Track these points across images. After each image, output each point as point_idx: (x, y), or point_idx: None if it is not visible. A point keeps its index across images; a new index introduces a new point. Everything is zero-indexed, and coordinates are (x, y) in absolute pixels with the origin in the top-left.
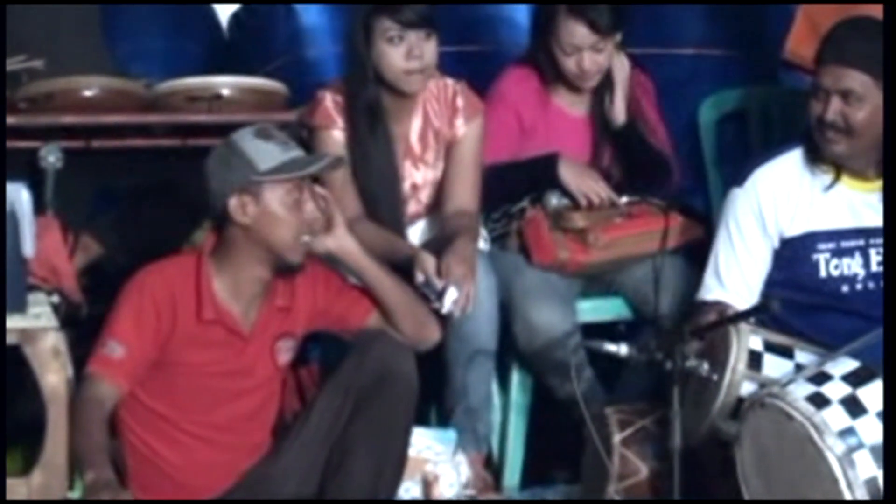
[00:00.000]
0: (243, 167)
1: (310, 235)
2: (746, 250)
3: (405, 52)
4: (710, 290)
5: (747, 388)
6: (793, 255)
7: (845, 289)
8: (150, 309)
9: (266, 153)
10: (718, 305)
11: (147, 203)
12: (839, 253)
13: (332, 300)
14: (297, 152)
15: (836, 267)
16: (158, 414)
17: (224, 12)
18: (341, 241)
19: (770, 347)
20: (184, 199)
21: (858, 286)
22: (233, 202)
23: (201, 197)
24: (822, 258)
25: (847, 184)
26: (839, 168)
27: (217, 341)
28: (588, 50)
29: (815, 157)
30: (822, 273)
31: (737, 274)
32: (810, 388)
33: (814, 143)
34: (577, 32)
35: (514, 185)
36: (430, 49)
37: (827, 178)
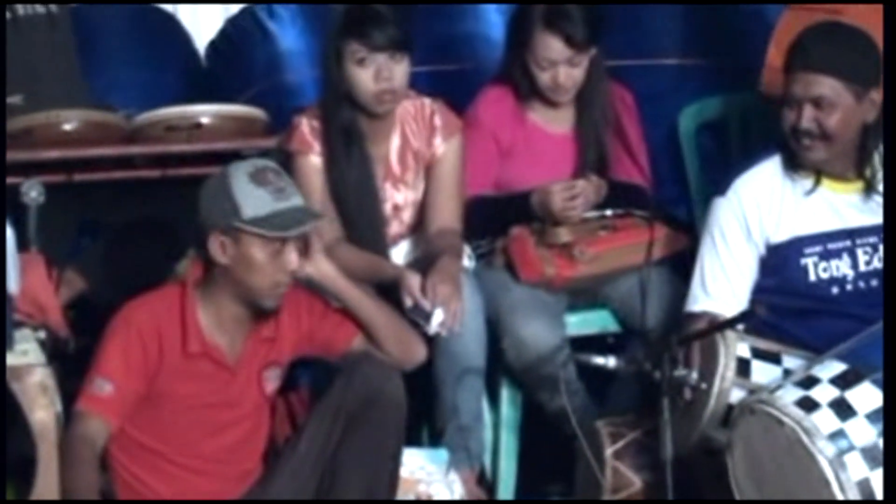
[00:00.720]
0: (228, 209)
1: (287, 285)
2: (732, 259)
3: (374, 74)
4: (697, 301)
5: (736, 395)
6: (781, 260)
7: (835, 290)
8: (137, 344)
9: (255, 200)
10: (707, 317)
11: (131, 237)
12: (827, 255)
13: (315, 326)
14: (288, 202)
15: (825, 269)
16: (148, 447)
17: (201, 41)
18: (320, 267)
19: (758, 354)
20: (167, 232)
21: (848, 287)
22: (212, 240)
23: (184, 229)
24: (810, 262)
25: (828, 186)
26: (818, 172)
27: (204, 373)
28: (563, 64)
29: (794, 164)
30: (812, 277)
31: (723, 283)
32: (799, 393)
33: (791, 150)
34: (552, 47)
35: (493, 223)
36: (399, 70)
37: (808, 182)
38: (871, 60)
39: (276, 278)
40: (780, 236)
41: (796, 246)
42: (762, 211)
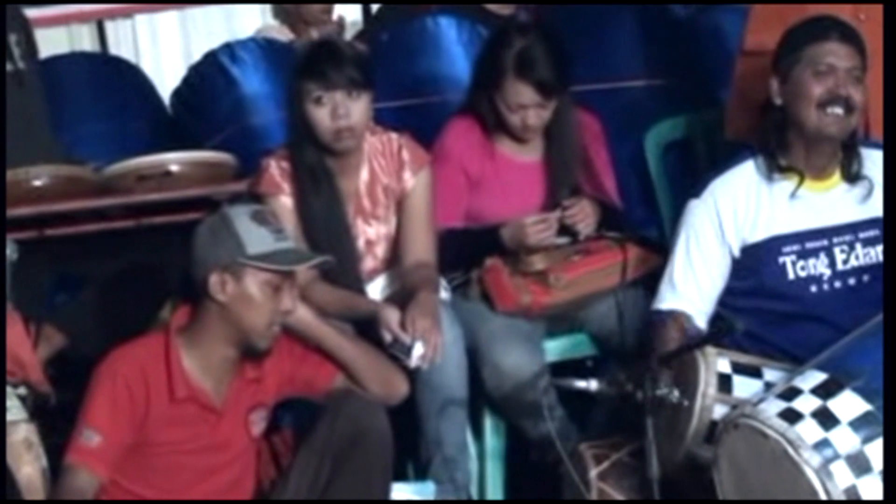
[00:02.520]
0: (232, 246)
1: (280, 326)
2: (702, 259)
3: (330, 112)
4: (665, 300)
5: (719, 411)
6: (758, 260)
7: (813, 289)
8: (124, 394)
9: (258, 238)
10: (674, 315)
11: (116, 285)
12: (804, 254)
13: (296, 367)
14: (288, 244)
15: (803, 268)
16: (136, 494)
17: (165, 90)
18: (296, 313)
19: (738, 368)
20: (153, 279)
21: (825, 286)
22: (213, 278)
23: (165, 275)
24: (787, 260)
25: (807, 186)
26: (801, 174)
27: (191, 418)
28: (533, 108)
29: (775, 166)
30: (790, 275)
31: (692, 283)
32: (782, 405)
33: (770, 151)
34: (523, 93)
35: (464, 255)
36: (357, 108)
37: (786, 183)
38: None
39: (272, 318)
40: (758, 236)
41: (774, 245)
42: (738, 212)
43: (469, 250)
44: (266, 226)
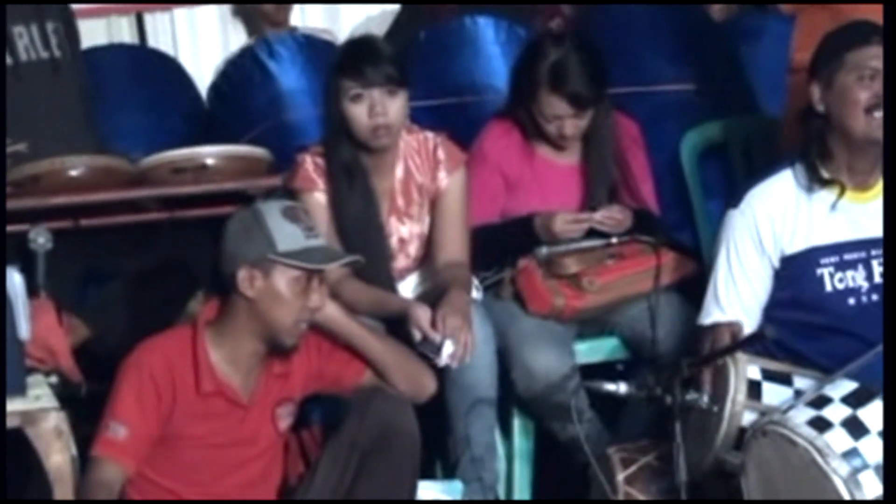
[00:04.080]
0: (262, 242)
1: (308, 322)
2: (743, 272)
3: (368, 109)
4: (710, 315)
5: (748, 417)
6: (796, 272)
7: (851, 301)
8: (150, 386)
9: (289, 235)
10: (721, 328)
11: (136, 283)
12: (842, 266)
13: (324, 364)
14: (319, 241)
15: (841, 280)
16: (164, 488)
17: (203, 83)
18: (326, 310)
19: (768, 375)
20: (183, 273)
21: (863, 299)
22: (242, 273)
23: (196, 269)
24: (825, 272)
25: (846, 197)
26: (842, 185)
27: (218, 412)
28: (569, 118)
29: (814, 177)
30: (828, 287)
31: (734, 296)
32: (811, 413)
33: (811, 160)
34: (558, 106)
35: (498, 249)
36: (394, 105)
37: (825, 194)
38: None
39: (300, 315)
40: (795, 247)
41: (812, 256)
42: (775, 222)
43: (502, 242)
44: (297, 223)
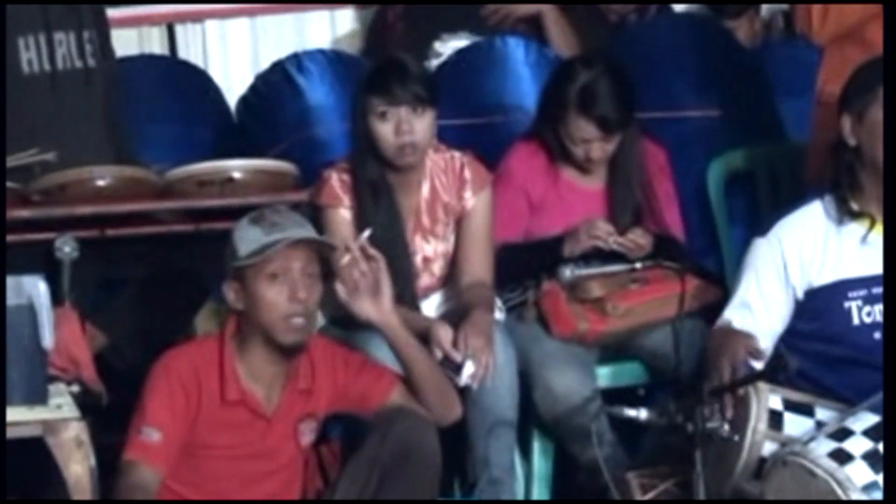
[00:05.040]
0: (230, 255)
1: (303, 317)
2: (762, 299)
3: (394, 127)
4: (721, 318)
5: (769, 447)
6: (823, 304)
7: (878, 335)
8: (179, 390)
9: (249, 238)
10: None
11: (144, 292)
12: (870, 300)
13: (351, 381)
14: (282, 234)
15: (869, 314)
16: (183, 497)
17: (232, 96)
18: (385, 315)
19: (790, 406)
20: (191, 283)
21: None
22: (226, 290)
23: (212, 281)
24: (853, 305)
25: (876, 230)
26: (872, 218)
27: (241, 423)
28: (597, 141)
29: (845, 210)
30: (855, 321)
31: (749, 321)
32: (832, 445)
33: (841, 193)
34: (586, 129)
35: (522, 269)
36: (421, 124)
37: (855, 226)
38: None
39: (288, 310)
40: (824, 279)
41: (840, 289)
42: (804, 254)
43: (526, 261)
44: (260, 224)
